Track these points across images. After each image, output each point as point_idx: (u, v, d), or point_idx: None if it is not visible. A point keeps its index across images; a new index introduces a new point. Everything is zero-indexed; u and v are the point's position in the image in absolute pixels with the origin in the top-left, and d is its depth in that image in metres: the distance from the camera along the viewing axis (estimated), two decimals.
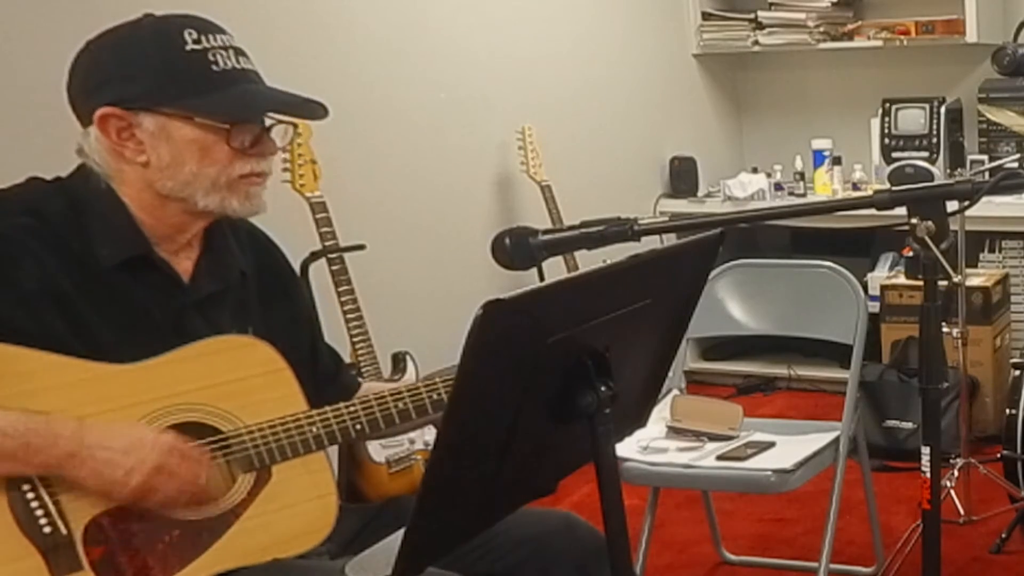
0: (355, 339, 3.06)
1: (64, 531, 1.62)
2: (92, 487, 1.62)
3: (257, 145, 1.75)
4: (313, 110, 1.76)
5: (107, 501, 1.65)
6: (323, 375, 1.99)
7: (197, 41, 1.69)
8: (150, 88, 1.67)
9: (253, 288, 1.88)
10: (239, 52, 1.74)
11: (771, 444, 2.84)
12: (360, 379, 2.40)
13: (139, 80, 1.67)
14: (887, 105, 4.48)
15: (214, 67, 1.69)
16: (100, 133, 1.69)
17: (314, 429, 1.75)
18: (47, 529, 1.61)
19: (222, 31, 1.73)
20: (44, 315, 1.63)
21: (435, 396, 1.82)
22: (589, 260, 1.69)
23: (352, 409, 1.78)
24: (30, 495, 1.61)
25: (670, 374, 1.98)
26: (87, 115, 1.70)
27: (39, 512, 1.61)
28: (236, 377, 1.73)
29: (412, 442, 3.11)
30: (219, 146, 1.70)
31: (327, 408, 1.77)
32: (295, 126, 1.82)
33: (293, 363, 1.78)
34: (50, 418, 1.60)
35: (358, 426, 1.79)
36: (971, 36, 4.34)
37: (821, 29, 4.64)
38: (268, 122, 1.77)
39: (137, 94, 1.67)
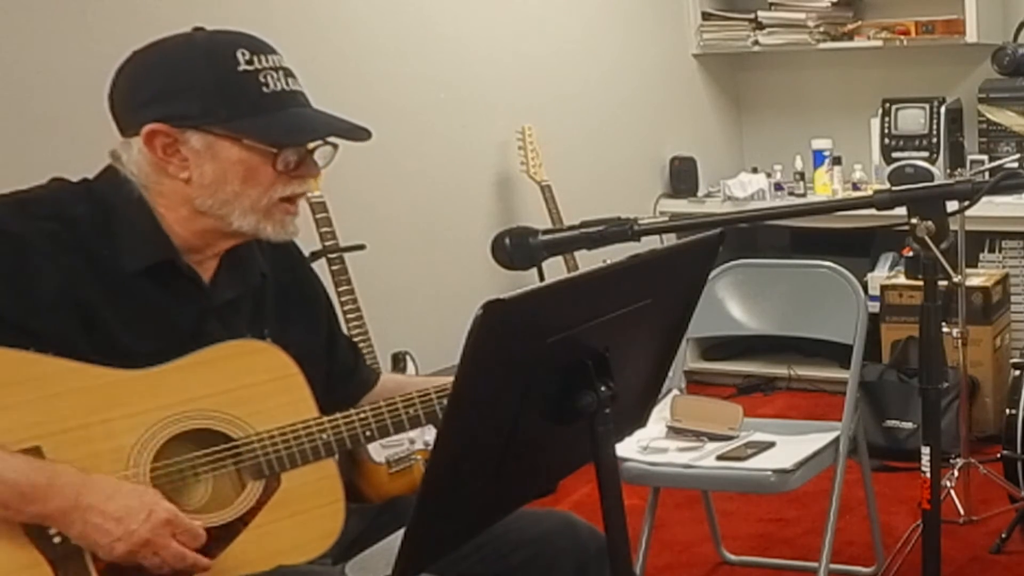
0: (355, 339, 3.06)
1: (73, 541, 1.61)
2: (81, 544, 1.61)
3: (300, 167, 1.74)
4: (359, 135, 1.75)
5: None
6: (340, 371, 1.98)
7: (249, 62, 1.67)
8: (200, 107, 1.65)
9: (272, 290, 1.87)
10: (288, 73, 1.72)
11: (771, 444, 2.84)
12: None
13: (190, 98, 1.65)
14: (887, 105, 4.47)
15: (265, 89, 1.68)
16: (145, 147, 1.67)
17: (324, 436, 1.75)
18: (56, 539, 1.60)
19: (273, 51, 1.72)
20: (62, 321, 1.62)
21: (446, 402, 1.81)
22: (589, 260, 1.69)
23: (362, 416, 1.78)
24: None
25: (670, 374, 1.98)
26: (132, 127, 1.68)
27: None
28: (247, 383, 1.72)
29: (412, 442, 3.11)
30: (264, 168, 1.70)
31: (337, 415, 1.77)
32: (336, 147, 1.80)
33: (308, 365, 1.78)
34: (56, 471, 1.58)
35: (368, 432, 1.78)
36: (971, 36, 4.33)
37: (821, 29, 4.64)
38: (312, 143, 1.76)
39: (187, 112, 1.66)
